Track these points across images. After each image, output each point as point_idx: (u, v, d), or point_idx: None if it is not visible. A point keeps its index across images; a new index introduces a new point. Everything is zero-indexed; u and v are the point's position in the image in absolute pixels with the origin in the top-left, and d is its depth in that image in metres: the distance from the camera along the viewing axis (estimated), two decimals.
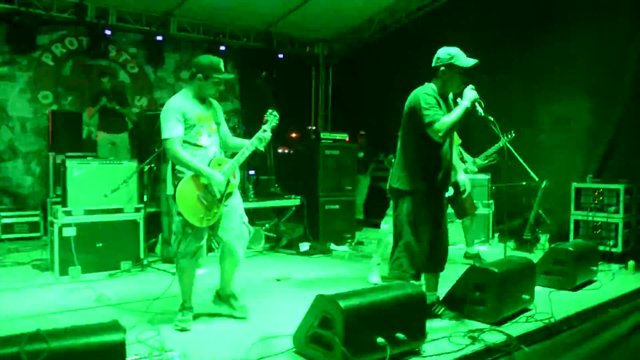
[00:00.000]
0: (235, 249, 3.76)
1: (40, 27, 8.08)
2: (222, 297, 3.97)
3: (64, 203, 5.35)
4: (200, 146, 3.70)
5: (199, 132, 3.69)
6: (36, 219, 7.50)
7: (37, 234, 7.43)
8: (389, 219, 5.02)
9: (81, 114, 8.21)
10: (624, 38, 6.72)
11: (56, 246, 5.08)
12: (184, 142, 3.64)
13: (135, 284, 5.03)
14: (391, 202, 5.16)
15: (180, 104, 3.66)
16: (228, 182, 3.67)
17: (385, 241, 5.04)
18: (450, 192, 4.21)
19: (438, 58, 3.70)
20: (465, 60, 3.63)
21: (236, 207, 3.82)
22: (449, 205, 5.73)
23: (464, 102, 3.54)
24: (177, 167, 3.65)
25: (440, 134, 3.49)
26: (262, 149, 3.76)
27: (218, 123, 3.86)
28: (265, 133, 3.73)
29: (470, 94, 3.58)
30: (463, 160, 6.07)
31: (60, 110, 8.33)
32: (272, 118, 3.82)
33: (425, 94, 3.61)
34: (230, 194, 3.73)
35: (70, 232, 5.11)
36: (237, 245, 3.76)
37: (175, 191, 3.61)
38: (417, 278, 3.71)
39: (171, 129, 3.58)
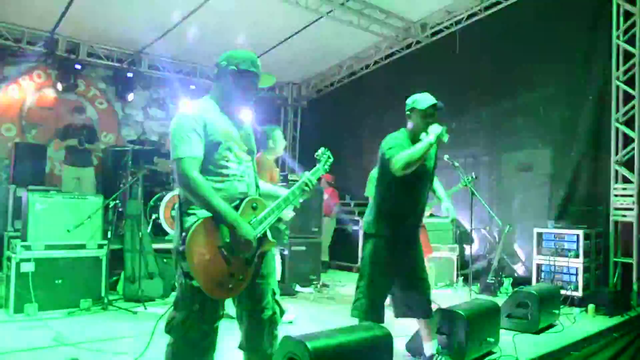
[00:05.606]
0: (264, 341, 2.66)
1: (8, 59, 7.99)
2: None
3: (23, 237, 5.18)
4: (226, 175, 2.57)
5: (225, 155, 2.57)
6: None
7: None
8: None
9: (46, 147, 8.07)
10: (578, 89, 7.06)
11: (12, 282, 4.88)
12: (206, 167, 2.53)
13: (95, 323, 4.86)
14: None
15: (201, 113, 2.55)
16: (264, 235, 2.58)
17: None
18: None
19: (406, 104, 3.76)
20: (424, 102, 3.57)
21: (270, 278, 2.71)
22: None
23: (428, 138, 3.41)
24: (191, 205, 2.49)
25: (396, 167, 3.38)
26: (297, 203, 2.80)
27: (252, 151, 2.76)
28: (308, 184, 2.81)
29: (434, 129, 3.45)
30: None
31: (24, 142, 8.16)
32: (325, 159, 2.99)
33: (391, 136, 3.64)
34: (263, 256, 2.64)
35: (28, 267, 4.93)
36: (266, 335, 2.66)
37: (184, 242, 2.38)
38: (379, 320, 3.59)
39: (187, 145, 2.46)
